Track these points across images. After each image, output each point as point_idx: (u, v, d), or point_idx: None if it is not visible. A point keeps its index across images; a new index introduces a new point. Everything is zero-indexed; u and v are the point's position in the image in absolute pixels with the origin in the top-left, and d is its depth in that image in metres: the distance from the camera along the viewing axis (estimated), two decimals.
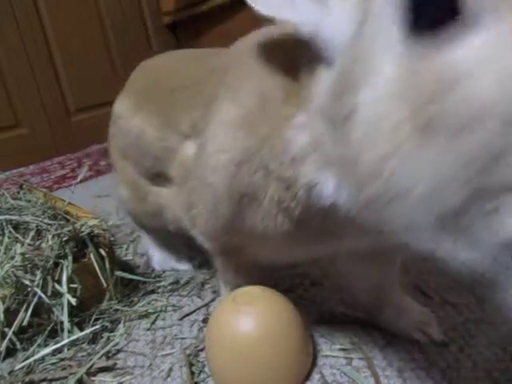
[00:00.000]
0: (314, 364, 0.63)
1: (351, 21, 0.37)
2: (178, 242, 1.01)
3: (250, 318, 0.59)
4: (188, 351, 0.69)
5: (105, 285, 0.81)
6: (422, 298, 0.73)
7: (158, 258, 0.98)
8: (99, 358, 0.71)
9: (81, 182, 1.65)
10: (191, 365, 0.66)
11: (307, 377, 0.61)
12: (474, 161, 0.28)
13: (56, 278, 0.77)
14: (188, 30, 3.35)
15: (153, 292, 0.88)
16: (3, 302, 0.73)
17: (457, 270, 0.78)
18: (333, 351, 0.65)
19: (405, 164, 0.31)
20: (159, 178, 0.78)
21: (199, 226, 0.64)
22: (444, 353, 0.60)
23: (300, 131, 0.45)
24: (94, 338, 0.76)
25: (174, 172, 0.72)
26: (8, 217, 0.93)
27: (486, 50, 0.27)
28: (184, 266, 0.96)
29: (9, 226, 0.90)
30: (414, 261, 0.84)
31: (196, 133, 0.64)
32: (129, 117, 0.84)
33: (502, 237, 0.29)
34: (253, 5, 0.43)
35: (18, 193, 1.18)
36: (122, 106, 0.88)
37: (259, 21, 0.49)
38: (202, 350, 0.69)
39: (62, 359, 0.72)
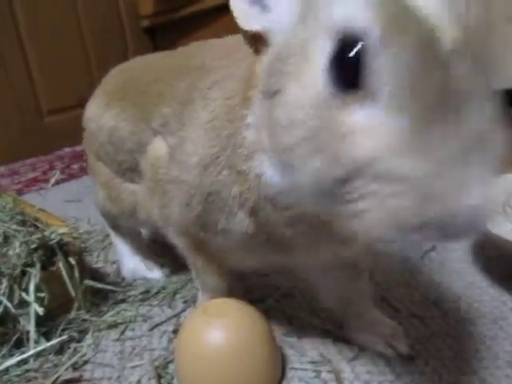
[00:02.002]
0: (282, 376, 0.63)
1: (291, 14, 0.42)
2: (150, 248, 1.01)
3: (220, 329, 0.59)
4: (157, 363, 0.69)
5: (73, 294, 0.80)
6: (390, 310, 0.74)
7: (129, 267, 0.97)
8: (66, 369, 0.70)
9: (52, 185, 1.62)
10: (160, 377, 0.66)
11: None
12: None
13: (23, 287, 0.75)
14: (166, 35, 3.33)
15: (123, 301, 0.87)
16: None
17: (424, 283, 0.80)
18: (302, 364, 0.65)
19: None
20: (132, 172, 0.81)
21: (172, 221, 0.68)
22: (410, 366, 0.61)
23: (250, 128, 0.50)
24: (60, 349, 0.75)
25: (144, 166, 0.75)
26: None
27: (368, 120, 0.34)
28: (155, 275, 0.95)
29: None
30: (381, 273, 0.85)
31: (167, 131, 0.68)
32: (99, 116, 0.87)
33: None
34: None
35: None
36: (91, 109, 0.91)
37: (237, 27, 0.52)
38: (171, 361, 0.69)
39: (28, 370, 0.70)
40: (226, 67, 0.59)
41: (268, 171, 0.48)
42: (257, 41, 0.47)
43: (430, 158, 0.32)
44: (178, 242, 0.71)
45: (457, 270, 0.83)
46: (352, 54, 0.34)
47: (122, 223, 0.94)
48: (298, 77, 0.39)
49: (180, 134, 0.63)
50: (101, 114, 0.86)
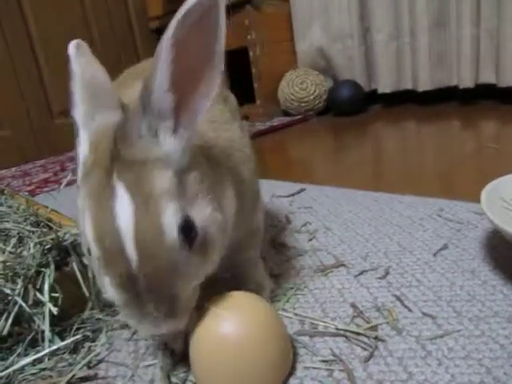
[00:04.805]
0: (295, 376, 0.63)
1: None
2: None
3: (231, 323, 0.60)
4: (170, 361, 0.69)
5: (87, 294, 0.81)
6: (402, 309, 0.74)
7: None
8: (80, 368, 0.70)
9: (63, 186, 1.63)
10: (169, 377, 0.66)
11: None
12: None
13: (37, 287, 0.76)
14: None
15: None
16: None
17: (436, 282, 0.80)
18: (314, 363, 0.65)
19: None
20: None
21: None
22: (422, 366, 0.61)
23: None
24: (75, 348, 0.76)
25: None
26: None
27: None
28: None
29: None
30: (393, 273, 0.85)
31: None
32: None
33: None
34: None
35: None
36: None
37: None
38: (183, 360, 0.69)
39: (43, 369, 0.71)
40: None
41: None
42: None
43: (128, 317, 0.56)
44: None
45: (470, 269, 0.83)
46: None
47: None
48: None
49: None
50: None
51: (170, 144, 0.55)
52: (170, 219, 0.52)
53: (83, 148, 0.58)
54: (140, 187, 0.52)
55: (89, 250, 0.54)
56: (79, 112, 0.59)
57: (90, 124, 0.58)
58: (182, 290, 0.55)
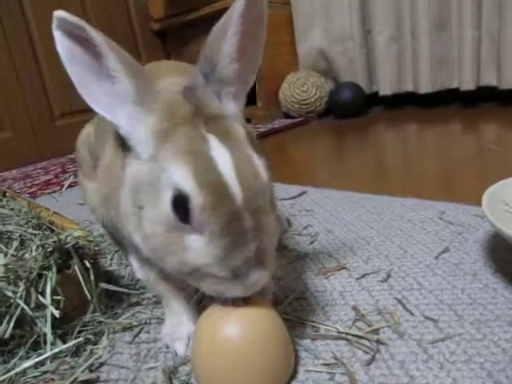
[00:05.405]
0: (296, 379, 0.63)
1: (149, 139, 0.59)
2: None
3: (234, 326, 0.60)
4: (172, 363, 0.69)
5: (89, 297, 0.81)
6: (404, 313, 0.74)
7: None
8: (82, 371, 0.70)
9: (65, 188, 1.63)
10: (170, 379, 0.67)
11: None
12: None
13: (39, 290, 0.76)
14: (176, 37, 3.35)
15: (137, 304, 0.89)
16: None
17: (438, 286, 0.80)
18: (315, 366, 0.65)
19: None
20: (94, 171, 0.91)
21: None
22: (424, 369, 0.61)
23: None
24: (77, 351, 0.76)
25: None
26: None
27: (195, 243, 0.58)
28: None
29: None
30: (395, 276, 0.85)
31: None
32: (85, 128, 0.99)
33: None
34: (89, 103, 0.61)
35: (1, 200, 1.17)
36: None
37: None
38: (186, 363, 0.69)
39: (45, 372, 0.71)
40: None
41: (134, 237, 0.64)
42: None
43: (229, 266, 0.57)
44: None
45: (471, 272, 0.83)
46: (182, 204, 0.55)
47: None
48: (155, 203, 0.58)
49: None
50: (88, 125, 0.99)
51: (232, 106, 0.64)
52: (258, 162, 0.59)
53: (150, 117, 0.59)
54: (229, 136, 0.59)
55: (176, 206, 0.56)
56: (130, 88, 0.59)
57: (150, 97, 0.60)
58: (274, 237, 0.62)
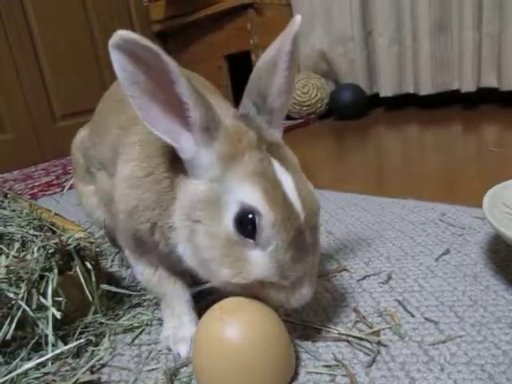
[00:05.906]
0: (297, 381, 0.64)
1: (214, 163, 0.63)
2: None
3: (235, 327, 0.60)
4: (173, 364, 0.70)
5: (90, 298, 0.81)
6: (405, 315, 0.74)
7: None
8: (83, 372, 0.71)
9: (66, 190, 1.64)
10: (171, 381, 0.67)
11: None
12: None
13: (41, 291, 0.77)
14: (177, 39, 3.36)
15: (138, 305, 0.89)
16: None
17: (438, 288, 0.80)
18: (316, 368, 0.65)
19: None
20: (88, 175, 0.96)
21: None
22: (425, 371, 0.61)
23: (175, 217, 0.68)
24: (78, 352, 0.76)
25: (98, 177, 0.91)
26: None
27: (258, 258, 0.62)
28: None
29: None
30: (395, 278, 0.86)
31: (104, 167, 0.85)
32: (79, 132, 1.03)
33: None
34: (148, 125, 0.61)
35: (3, 202, 1.17)
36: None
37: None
38: (187, 364, 0.70)
39: (46, 373, 0.71)
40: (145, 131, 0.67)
41: (180, 248, 0.68)
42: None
43: (292, 277, 0.62)
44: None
45: (472, 274, 0.83)
46: (249, 220, 0.60)
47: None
48: (214, 219, 0.62)
49: (115, 174, 0.74)
50: (80, 130, 1.03)
51: (279, 134, 0.71)
52: (311, 186, 0.67)
53: (215, 142, 0.63)
54: (288, 162, 0.65)
55: (241, 223, 0.60)
56: (198, 115, 0.60)
57: (214, 124, 0.62)
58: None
